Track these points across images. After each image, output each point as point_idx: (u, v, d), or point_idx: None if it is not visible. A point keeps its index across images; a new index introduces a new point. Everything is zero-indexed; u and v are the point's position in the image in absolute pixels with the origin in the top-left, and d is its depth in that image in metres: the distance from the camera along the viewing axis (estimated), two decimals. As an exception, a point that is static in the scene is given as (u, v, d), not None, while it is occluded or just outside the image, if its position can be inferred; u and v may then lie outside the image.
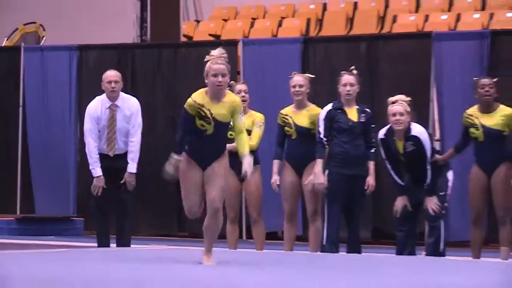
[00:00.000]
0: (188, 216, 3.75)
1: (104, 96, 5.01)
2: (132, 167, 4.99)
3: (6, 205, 7.33)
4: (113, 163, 4.92)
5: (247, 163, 3.50)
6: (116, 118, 5.06)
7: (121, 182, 4.95)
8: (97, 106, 5.03)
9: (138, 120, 5.13)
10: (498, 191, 4.76)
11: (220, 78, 3.47)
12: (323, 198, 4.84)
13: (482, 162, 4.82)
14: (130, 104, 5.14)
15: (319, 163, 4.65)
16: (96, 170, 4.95)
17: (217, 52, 3.62)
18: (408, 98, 4.63)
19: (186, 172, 3.62)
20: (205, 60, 3.56)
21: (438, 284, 2.72)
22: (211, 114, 3.52)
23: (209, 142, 3.59)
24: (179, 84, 6.88)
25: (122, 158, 4.93)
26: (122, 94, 5.10)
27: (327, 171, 4.71)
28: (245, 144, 3.67)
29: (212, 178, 3.60)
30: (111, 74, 5.15)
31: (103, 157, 5.00)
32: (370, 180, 4.70)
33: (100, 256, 4.46)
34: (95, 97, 5.15)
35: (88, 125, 5.04)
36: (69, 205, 7.01)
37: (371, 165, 4.73)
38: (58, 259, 4.17)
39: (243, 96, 4.81)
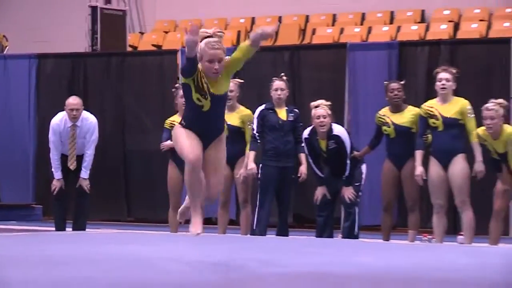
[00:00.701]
0: (191, 171, 3.25)
1: (66, 115, 5.59)
2: (85, 174, 5.66)
3: None
4: (71, 171, 5.64)
5: None
6: (76, 136, 5.74)
7: (76, 186, 5.60)
8: (60, 123, 5.65)
9: (93, 137, 5.75)
10: (407, 184, 4.98)
11: (216, 65, 3.14)
12: (254, 187, 5.20)
13: (393, 157, 5.05)
14: (88, 124, 5.75)
15: (251, 155, 4.99)
16: (57, 173, 5.62)
17: (211, 31, 3.24)
18: (329, 102, 4.92)
19: (187, 132, 3.27)
20: (200, 39, 3.15)
21: (353, 263, 2.73)
22: (208, 87, 3.20)
23: (207, 119, 3.28)
24: (126, 88, 7.44)
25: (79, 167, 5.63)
26: (82, 113, 5.63)
27: (260, 164, 5.03)
28: None
29: (214, 166, 3.33)
30: (73, 103, 5.64)
31: (65, 162, 5.64)
32: (303, 169, 5.03)
33: (57, 238, 4.71)
34: (51, 100, 5.94)
35: (52, 137, 5.68)
36: (29, 194, 7.60)
37: (303, 157, 5.05)
38: (18, 240, 4.32)
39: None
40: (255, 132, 5.05)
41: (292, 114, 5.07)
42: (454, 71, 4.86)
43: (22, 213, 7.66)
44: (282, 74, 5.18)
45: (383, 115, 5.07)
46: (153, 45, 8.82)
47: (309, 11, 9.06)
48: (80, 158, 5.69)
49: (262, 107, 5.15)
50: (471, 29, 8.07)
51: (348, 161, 4.90)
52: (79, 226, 5.83)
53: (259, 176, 5.06)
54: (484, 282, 2.23)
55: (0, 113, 7.74)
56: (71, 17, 9.11)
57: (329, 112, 4.87)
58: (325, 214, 4.99)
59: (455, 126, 4.78)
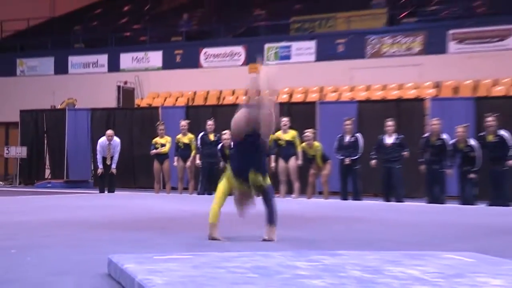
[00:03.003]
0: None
1: (106, 137, 11.66)
2: (114, 165, 11.70)
3: (59, 172, 15.07)
4: (107, 164, 11.86)
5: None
6: (110, 148, 11.67)
7: (109, 172, 11.76)
8: (103, 141, 11.67)
9: (117, 148, 11.66)
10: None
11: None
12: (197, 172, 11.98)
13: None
14: (115, 142, 11.69)
15: (197, 156, 11.27)
16: (100, 165, 11.81)
17: None
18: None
19: None
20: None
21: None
22: None
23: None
24: (134, 124, 14.43)
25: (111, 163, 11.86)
26: (114, 137, 11.75)
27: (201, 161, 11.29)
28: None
29: None
30: (109, 133, 11.63)
31: (104, 160, 11.87)
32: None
33: (101, 196, 11.48)
34: (98, 130, 13.71)
35: (98, 148, 11.72)
36: (87, 174, 14.84)
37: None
38: (81, 197, 10.70)
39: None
40: (198, 145, 11.34)
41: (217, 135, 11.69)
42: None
43: (82, 184, 14.45)
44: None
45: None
46: (147, 104, 15.60)
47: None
48: (111, 159, 11.91)
49: (202, 133, 11.35)
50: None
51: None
52: (111, 191, 12.03)
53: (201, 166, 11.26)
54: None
55: (73, 137, 14.83)
56: (108, 90, 16.05)
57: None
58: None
59: (291, 143, 11.20)
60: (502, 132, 9.54)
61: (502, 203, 9.21)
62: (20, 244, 4.63)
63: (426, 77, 13.81)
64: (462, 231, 6.02)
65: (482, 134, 9.83)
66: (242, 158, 4.74)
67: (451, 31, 14.03)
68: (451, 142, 9.89)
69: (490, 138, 9.56)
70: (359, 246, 4.46)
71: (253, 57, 14.96)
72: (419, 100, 12.39)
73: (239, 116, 4.72)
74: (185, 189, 11.81)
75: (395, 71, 13.96)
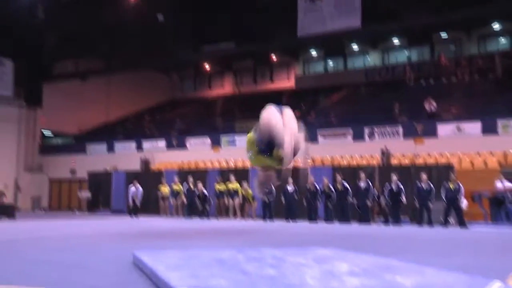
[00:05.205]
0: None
1: (133, 185, 22.91)
2: (138, 203, 20.75)
3: (108, 205, 28.40)
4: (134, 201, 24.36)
5: None
6: (136, 192, 21.71)
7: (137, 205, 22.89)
8: (132, 188, 20.91)
9: (140, 192, 20.79)
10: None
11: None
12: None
13: None
14: (139, 188, 20.60)
15: None
16: (130, 201, 22.41)
17: None
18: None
19: None
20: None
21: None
22: None
23: None
24: (151, 179, 28.14)
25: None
26: (138, 185, 21.63)
27: None
28: None
29: None
30: (135, 183, 21.45)
31: (133, 199, 23.43)
32: None
33: (133, 220, 25.81)
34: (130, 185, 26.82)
35: (129, 192, 22.02)
36: (123, 205, 27.89)
37: None
38: (120, 221, 24.79)
39: None
40: (184, 191, 25.13)
41: None
42: None
43: (120, 212, 25.96)
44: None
45: None
46: (157, 169, 28.89)
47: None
48: (136, 198, 21.13)
49: (186, 185, 25.86)
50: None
51: None
52: (136, 216, 19.67)
53: None
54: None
55: (116, 186, 26.65)
56: (135, 161, 29.88)
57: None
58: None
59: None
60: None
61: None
62: (84, 244, 7.46)
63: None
64: (324, 237, 9.21)
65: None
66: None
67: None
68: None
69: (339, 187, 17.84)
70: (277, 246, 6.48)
71: (214, 143, 28.13)
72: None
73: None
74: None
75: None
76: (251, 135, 4.88)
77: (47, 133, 35.30)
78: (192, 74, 41.60)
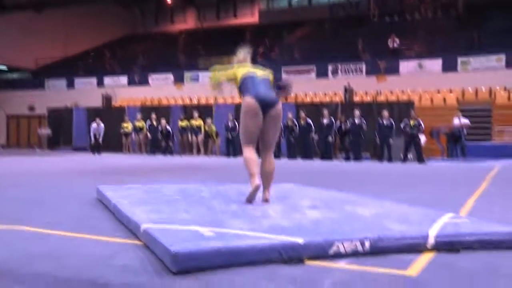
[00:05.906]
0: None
1: (95, 123, 21.37)
2: (100, 139, 21.26)
3: (69, 142, 28.21)
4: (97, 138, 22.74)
5: None
6: (98, 129, 21.32)
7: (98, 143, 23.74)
8: (94, 125, 21.00)
9: (102, 128, 20.78)
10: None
11: None
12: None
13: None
14: (101, 125, 20.86)
15: None
16: (92, 139, 21.43)
17: None
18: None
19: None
20: None
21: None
22: None
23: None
24: (114, 116, 27.90)
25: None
26: (100, 123, 21.28)
27: None
28: None
29: (271, 145, 4.70)
30: (97, 121, 21.27)
31: (95, 136, 23.91)
32: None
33: (92, 156, 25.68)
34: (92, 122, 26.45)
35: (91, 129, 21.39)
36: (86, 143, 27.75)
37: None
38: (82, 157, 25.16)
39: None
40: (147, 127, 25.25)
41: None
42: None
43: (82, 150, 27.43)
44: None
45: None
46: (119, 105, 29.00)
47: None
48: (98, 135, 21.32)
49: (149, 122, 25.72)
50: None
51: None
52: (99, 154, 20.67)
53: None
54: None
55: (77, 123, 27.23)
56: (97, 98, 29.58)
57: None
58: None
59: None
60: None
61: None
62: (44, 181, 7.29)
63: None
64: (286, 173, 9.45)
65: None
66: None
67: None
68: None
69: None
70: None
71: (177, 80, 27.77)
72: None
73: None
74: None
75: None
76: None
77: (2, 67, 34.24)
78: (154, 8, 40.40)
